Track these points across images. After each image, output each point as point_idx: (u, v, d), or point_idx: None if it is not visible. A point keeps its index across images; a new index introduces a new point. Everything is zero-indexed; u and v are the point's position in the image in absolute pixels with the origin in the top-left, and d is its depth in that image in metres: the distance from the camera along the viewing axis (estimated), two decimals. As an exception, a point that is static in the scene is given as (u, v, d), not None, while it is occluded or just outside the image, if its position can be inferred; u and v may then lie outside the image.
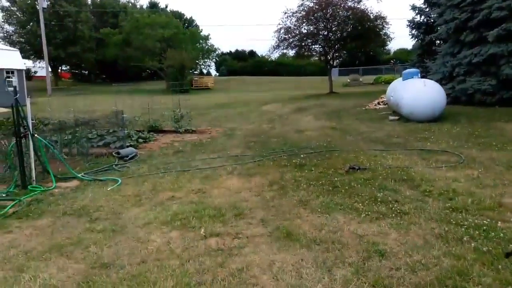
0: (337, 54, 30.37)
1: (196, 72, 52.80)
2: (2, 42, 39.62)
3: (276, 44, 27.85)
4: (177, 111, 12.80)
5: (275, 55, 35.16)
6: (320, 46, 28.89)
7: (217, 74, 70.45)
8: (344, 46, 29.05)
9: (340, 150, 8.29)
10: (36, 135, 6.36)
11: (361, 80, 39.12)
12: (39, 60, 44.27)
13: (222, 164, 7.59)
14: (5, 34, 42.26)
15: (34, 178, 6.30)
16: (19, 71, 26.51)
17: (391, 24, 27.53)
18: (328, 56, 29.49)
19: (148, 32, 40.54)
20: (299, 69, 67.16)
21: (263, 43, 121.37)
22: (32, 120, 14.63)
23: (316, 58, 33.09)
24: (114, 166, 7.71)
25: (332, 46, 28.24)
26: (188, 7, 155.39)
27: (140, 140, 10.28)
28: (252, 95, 29.88)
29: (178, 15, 52.89)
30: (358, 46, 29.56)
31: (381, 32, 28.16)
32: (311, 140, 9.82)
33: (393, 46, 79.86)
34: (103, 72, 53.90)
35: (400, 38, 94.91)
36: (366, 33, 27.48)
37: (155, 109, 15.17)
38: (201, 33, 48.84)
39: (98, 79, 49.96)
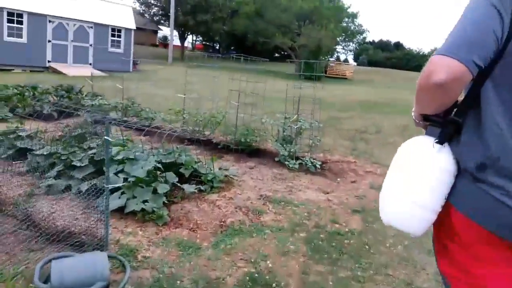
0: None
1: (331, 58, 45.17)
2: (138, 4, 38.08)
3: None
4: (290, 120, 5.77)
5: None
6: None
7: (355, 64, 61.67)
8: None
9: None
10: None
11: None
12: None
13: None
14: (140, -3, 40.28)
15: None
16: (128, 30, 22.24)
17: None
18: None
19: (284, 3, 33.97)
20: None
21: (411, 35, 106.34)
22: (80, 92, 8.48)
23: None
24: None
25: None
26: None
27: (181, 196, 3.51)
28: (407, 94, 21.33)
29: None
30: None
31: None
32: None
33: None
34: (234, 45, 49.66)
35: None
36: None
37: (267, 100, 8.34)
38: (348, 10, 40.51)
39: (226, 53, 45.71)
